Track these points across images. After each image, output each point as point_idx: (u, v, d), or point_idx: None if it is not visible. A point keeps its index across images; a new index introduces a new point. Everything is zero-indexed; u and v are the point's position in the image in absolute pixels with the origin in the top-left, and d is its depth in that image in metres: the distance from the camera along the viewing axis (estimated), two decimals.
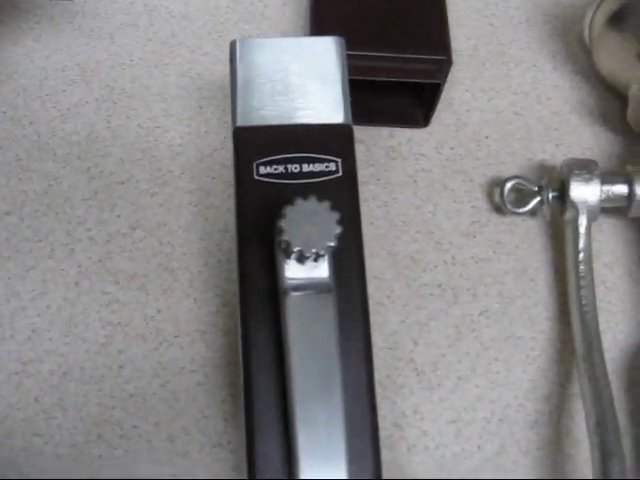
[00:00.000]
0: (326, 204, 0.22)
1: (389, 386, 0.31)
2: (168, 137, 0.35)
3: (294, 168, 0.26)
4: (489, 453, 0.30)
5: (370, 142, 0.35)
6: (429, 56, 0.32)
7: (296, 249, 0.22)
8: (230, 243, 0.33)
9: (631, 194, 0.32)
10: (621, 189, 0.32)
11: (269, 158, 0.26)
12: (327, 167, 0.26)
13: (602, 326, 0.32)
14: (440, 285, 0.33)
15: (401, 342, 0.31)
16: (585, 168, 0.32)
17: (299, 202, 0.22)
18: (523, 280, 0.33)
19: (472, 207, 0.34)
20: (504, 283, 0.33)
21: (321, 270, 0.24)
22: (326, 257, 0.24)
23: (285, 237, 0.22)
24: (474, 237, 0.34)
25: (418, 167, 0.35)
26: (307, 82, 0.27)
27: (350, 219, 0.25)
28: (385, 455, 0.30)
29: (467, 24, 0.39)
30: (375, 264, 0.33)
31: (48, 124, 0.35)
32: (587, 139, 0.36)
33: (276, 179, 0.25)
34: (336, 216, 0.22)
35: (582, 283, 0.31)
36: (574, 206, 0.32)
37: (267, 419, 0.23)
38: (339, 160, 0.26)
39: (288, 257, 0.23)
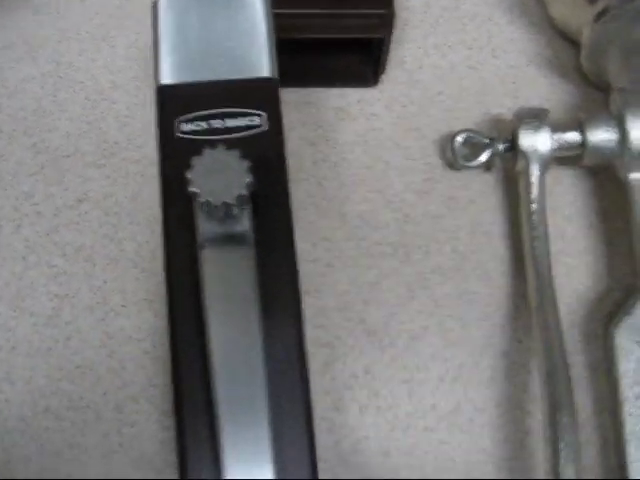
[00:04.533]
0: (235, 152, 0.22)
1: (339, 347, 0.30)
2: (115, 108, 0.34)
3: (217, 124, 0.25)
4: (443, 412, 0.30)
5: (319, 103, 0.35)
6: (370, 10, 0.32)
7: (204, 200, 0.21)
8: None
9: (584, 142, 0.31)
10: (573, 137, 0.31)
11: (191, 115, 0.25)
12: (251, 121, 0.25)
13: (562, 278, 0.31)
14: (392, 244, 0.32)
15: (351, 303, 0.31)
16: (535, 116, 0.31)
17: (207, 152, 0.22)
18: (478, 235, 0.32)
19: (425, 164, 0.33)
20: (458, 239, 0.32)
21: (241, 225, 0.23)
22: (245, 210, 0.23)
23: (193, 188, 0.22)
24: (427, 194, 0.33)
25: (369, 126, 0.34)
26: (232, 38, 0.26)
27: (275, 173, 0.25)
28: (336, 417, 0.29)
29: None
30: (324, 225, 0.32)
31: None
32: (545, 91, 0.35)
33: (199, 135, 0.25)
34: (246, 164, 0.22)
35: (535, 234, 0.30)
36: (525, 156, 0.31)
37: (193, 380, 0.23)
38: (264, 114, 0.25)
39: (202, 210, 0.23)
